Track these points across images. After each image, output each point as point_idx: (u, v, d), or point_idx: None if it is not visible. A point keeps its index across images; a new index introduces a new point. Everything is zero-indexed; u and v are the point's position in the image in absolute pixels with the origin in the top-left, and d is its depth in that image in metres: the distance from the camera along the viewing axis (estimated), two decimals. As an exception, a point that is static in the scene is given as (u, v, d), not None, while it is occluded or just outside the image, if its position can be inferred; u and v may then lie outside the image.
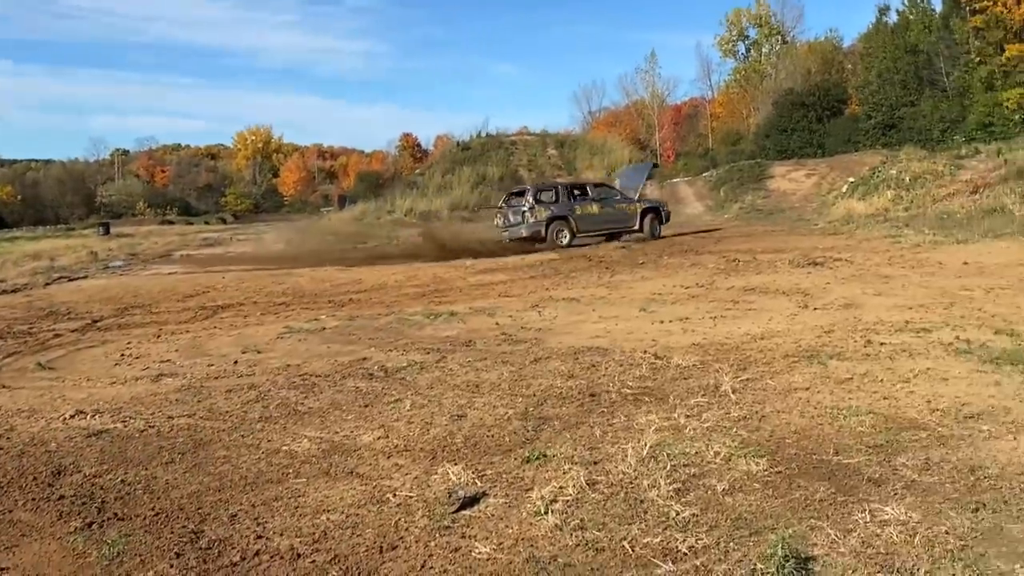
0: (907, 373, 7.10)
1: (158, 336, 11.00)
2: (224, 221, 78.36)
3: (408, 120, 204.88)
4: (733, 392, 6.72)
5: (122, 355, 9.77)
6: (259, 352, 9.46)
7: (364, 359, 8.70)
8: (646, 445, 5.35)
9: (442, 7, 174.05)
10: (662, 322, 10.20)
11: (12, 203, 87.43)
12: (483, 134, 45.64)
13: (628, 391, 6.90)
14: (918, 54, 42.15)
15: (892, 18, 47.15)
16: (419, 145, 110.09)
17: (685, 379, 7.27)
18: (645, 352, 8.36)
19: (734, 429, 5.77)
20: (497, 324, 10.60)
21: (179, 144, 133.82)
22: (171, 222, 72.18)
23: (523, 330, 10.12)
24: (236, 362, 8.93)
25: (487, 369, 7.97)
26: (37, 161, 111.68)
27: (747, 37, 71.03)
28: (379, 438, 5.96)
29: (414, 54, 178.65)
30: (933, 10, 44.16)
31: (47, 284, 18.61)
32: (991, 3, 38.14)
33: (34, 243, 33.90)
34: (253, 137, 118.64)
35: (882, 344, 8.32)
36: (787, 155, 45.58)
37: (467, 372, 7.88)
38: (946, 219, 23.73)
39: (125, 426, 6.64)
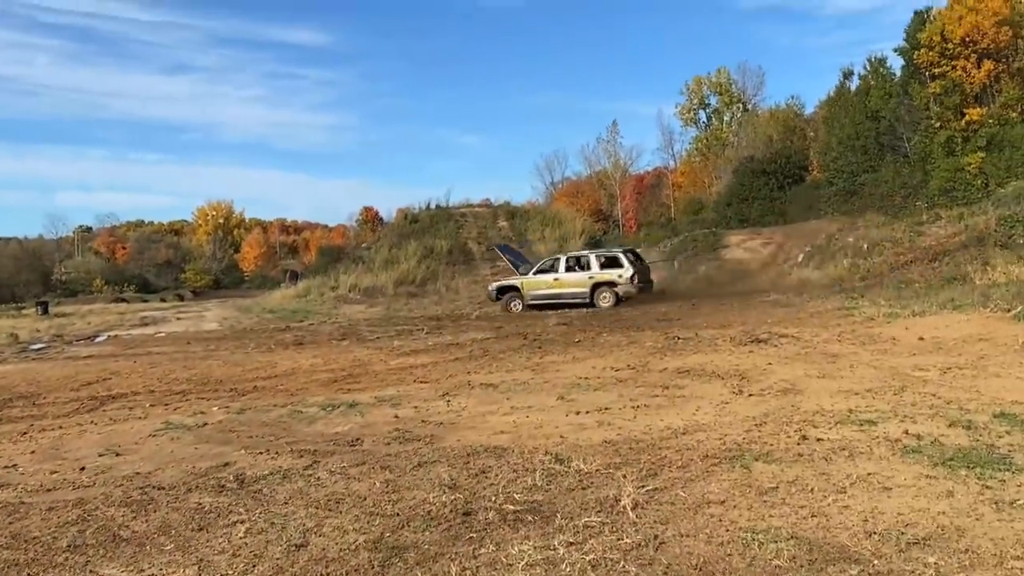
0: (843, 480, 6.15)
1: (24, 434, 9.82)
2: (181, 298, 76.86)
3: (373, 193, 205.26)
4: (634, 508, 5.70)
5: (-34, 459, 8.58)
6: (118, 455, 8.33)
7: (226, 464, 7.59)
8: (499, 593, 4.29)
9: (408, 79, 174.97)
10: (578, 413, 9.19)
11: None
12: (432, 206, 44.89)
13: (511, 507, 5.84)
14: (879, 120, 41.94)
15: (855, 83, 47.16)
16: (380, 218, 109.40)
17: (583, 489, 6.23)
18: (546, 453, 7.33)
19: (622, 563, 4.75)
20: (396, 417, 9.53)
21: (141, 220, 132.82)
22: (125, 300, 70.51)
23: (422, 424, 9.06)
24: (83, 469, 7.79)
25: (360, 477, 6.89)
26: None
27: (708, 105, 71.07)
28: (187, 580, 4.86)
29: (379, 126, 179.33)
30: (893, 75, 44.14)
31: (-55, 371, 17.35)
32: (950, 68, 38.06)
33: (-38, 324, 32.52)
34: (214, 212, 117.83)
35: (819, 440, 7.38)
36: (748, 223, 45.11)
37: (336, 482, 6.80)
38: (904, 288, 22.99)
39: (-97, 562, 5.48)
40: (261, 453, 7.97)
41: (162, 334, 25.73)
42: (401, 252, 38.05)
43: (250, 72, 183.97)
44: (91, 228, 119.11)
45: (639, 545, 5.02)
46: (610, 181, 71.70)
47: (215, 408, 10.89)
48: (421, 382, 12.35)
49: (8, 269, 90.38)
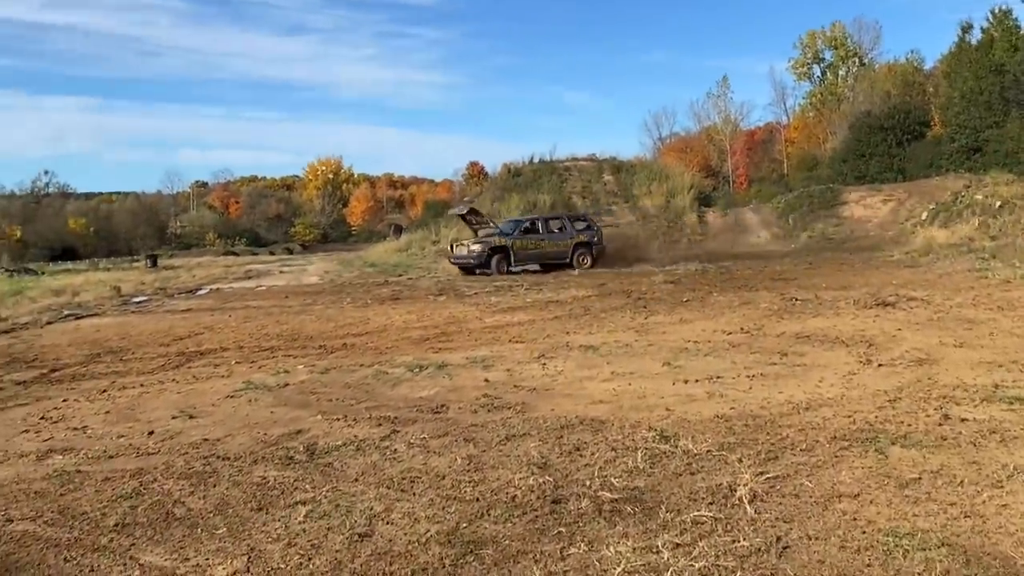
0: (998, 472, 5.23)
1: (103, 392, 9.43)
2: (290, 251, 77.74)
3: (480, 149, 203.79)
4: (751, 500, 4.87)
5: (42, 418, 8.22)
6: (191, 417, 7.84)
7: (298, 432, 6.99)
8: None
9: (517, 37, 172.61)
10: (686, 381, 8.34)
11: (86, 235, 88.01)
12: (536, 160, 43.80)
13: (608, 495, 5.07)
14: (1003, 74, 39.32)
15: (976, 36, 44.25)
16: (485, 173, 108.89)
17: (691, 475, 5.43)
18: (650, 429, 6.51)
19: (738, 573, 3.92)
20: (487, 381, 8.82)
21: (255, 176, 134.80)
22: (235, 253, 71.64)
23: (514, 390, 8.34)
24: (151, 433, 7.29)
25: (441, 451, 6.20)
26: (117, 194, 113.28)
27: (822, 60, 68.29)
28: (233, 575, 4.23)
29: (488, 84, 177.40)
30: (1019, 27, 41.29)
31: (48, 323, 17.32)
32: (1081, 17, 35.29)
33: (75, 276, 33.02)
34: (324, 168, 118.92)
35: (963, 420, 6.43)
36: (865, 180, 43.00)
37: (413, 456, 6.12)
38: (1039, 249, 21.30)
39: (-57, 534, 5.02)
40: (338, 419, 7.35)
41: (263, 288, 25.61)
42: (503, 206, 37.22)
43: (363, 32, 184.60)
44: (207, 183, 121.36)
45: (758, 550, 4.21)
46: (720, 137, 69.59)
47: (300, 366, 10.37)
48: (516, 342, 11.62)
49: (126, 223, 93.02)
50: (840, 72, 67.03)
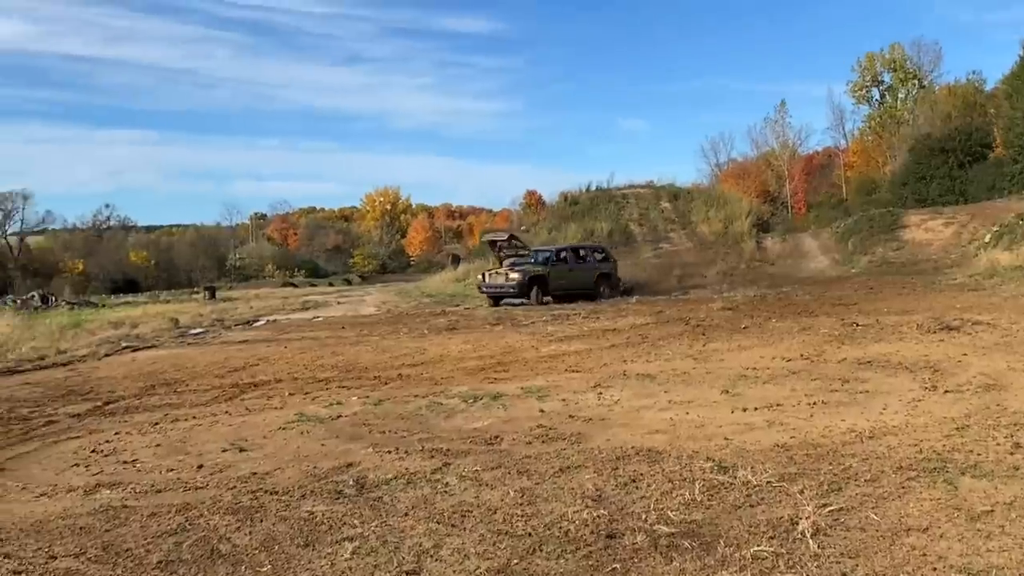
0: (1077, 505, 4.89)
1: (155, 424, 9.41)
2: (349, 282, 78.48)
3: (537, 178, 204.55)
4: (814, 535, 4.64)
5: (93, 451, 8.20)
6: (242, 450, 7.76)
7: (349, 465, 6.87)
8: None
9: (574, 64, 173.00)
10: (744, 410, 8.10)
11: (147, 268, 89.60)
12: (593, 188, 43.69)
13: (664, 529, 4.87)
14: (1066, 93, 38.44)
15: (1038, 56, 43.24)
16: (542, 202, 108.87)
17: (751, 507, 5.20)
18: (708, 459, 6.29)
19: (802, 614, 3.70)
20: (542, 412, 8.65)
21: (312, 207, 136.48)
22: (294, 284, 72.43)
23: (569, 420, 8.16)
24: (201, 467, 7.22)
25: (493, 484, 6.03)
26: (177, 227, 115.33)
27: (881, 82, 67.22)
28: (276, 614, 4.10)
29: (545, 112, 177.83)
30: (1082, 45, 40.34)
31: (105, 355, 17.51)
32: None
33: (134, 308, 33.47)
34: (381, 199, 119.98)
35: (1036, 449, 6.08)
36: (926, 204, 42.17)
37: (465, 489, 5.96)
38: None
39: (-10, 570, 4.96)
40: (389, 452, 7.22)
41: (319, 319, 25.72)
42: (560, 235, 37.12)
43: (421, 61, 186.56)
44: (265, 215, 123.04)
45: (824, 588, 3.97)
46: (778, 162, 68.67)
47: (354, 398, 10.29)
48: (572, 371, 11.45)
49: (185, 255, 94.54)
50: (899, 94, 65.90)
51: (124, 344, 19.45)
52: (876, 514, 4.94)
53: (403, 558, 4.70)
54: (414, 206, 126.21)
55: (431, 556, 4.71)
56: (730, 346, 12.96)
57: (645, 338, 14.77)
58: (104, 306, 38.79)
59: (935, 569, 4.14)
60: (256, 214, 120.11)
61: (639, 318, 18.81)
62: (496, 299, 26.87)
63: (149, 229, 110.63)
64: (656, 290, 29.65)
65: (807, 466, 6.01)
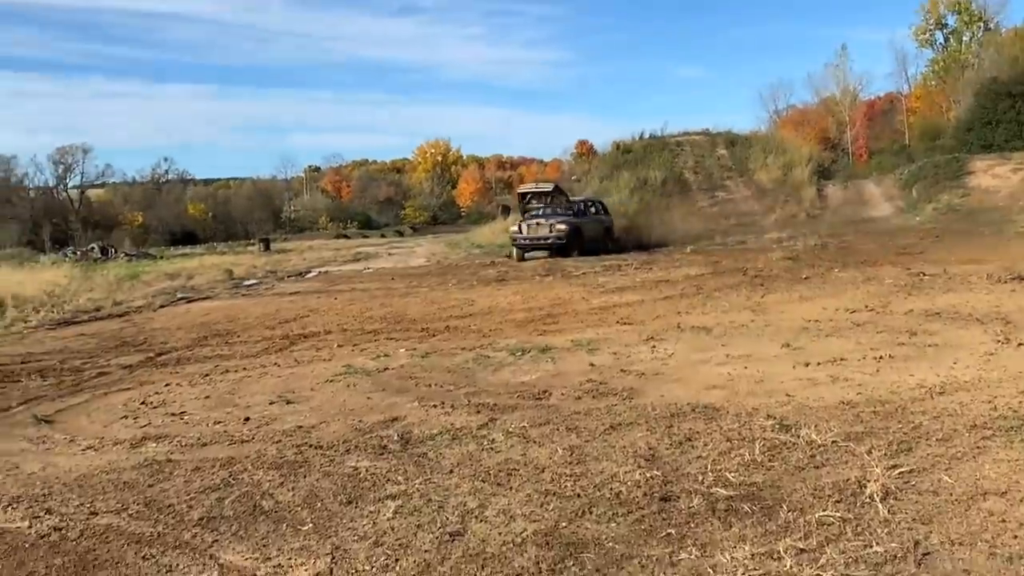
0: None
1: (206, 376, 9.37)
2: (401, 234, 78.69)
3: (590, 128, 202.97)
4: (884, 498, 4.36)
5: (142, 403, 8.16)
6: (289, 403, 7.65)
7: (394, 419, 6.71)
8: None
9: (626, 12, 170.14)
10: (807, 364, 7.78)
11: (204, 220, 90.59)
12: (646, 136, 42.86)
13: (722, 492, 4.61)
14: None
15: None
16: (594, 152, 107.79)
17: (815, 468, 4.92)
18: (768, 417, 6.01)
19: (873, 588, 3.45)
20: (592, 365, 8.41)
21: (365, 159, 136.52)
22: (346, 236, 72.74)
23: (621, 375, 7.90)
24: (247, 420, 7.11)
25: (541, 441, 5.81)
26: (234, 180, 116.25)
27: (945, 26, 65.24)
28: (315, 576, 3.94)
29: (598, 61, 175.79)
30: None
31: (160, 307, 17.61)
32: None
33: (191, 260, 33.75)
34: (433, 150, 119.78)
35: (1123, 407, 5.72)
36: (992, 149, 40.87)
37: (512, 446, 5.75)
38: None
39: (29, 526, 4.89)
40: (435, 406, 7.04)
41: (370, 270, 25.69)
42: (612, 184, 36.56)
43: (471, 11, 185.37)
44: (319, 168, 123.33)
45: (895, 557, 3.71)
46: (838, 108, 67.05)
47: (401, 350, 10.15)
48: (624, 323, 11.17)
49: (242, 208, 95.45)
50: (964, 38, 63.91)
51: (179, 295, 19.60)
52: (950, 476, 4.63)
53: (447, 518, 4.51)
54: (465, 157, 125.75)
55: (476, 517, 4.51)
56: (790, 297, 12.59)
57: (700, 289, 14.43)
58: (162, 258, 39.27)
59: (1015, 536, 3.84)
60: (310, 167, 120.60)
61: (694, 268, 18.45)
62: (525, 251, 25.75)
63: (207, 182, 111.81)
64: (712, 239, 29.14)
65: (874, 424, 5.70)
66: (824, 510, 4.27)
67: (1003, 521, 4.02)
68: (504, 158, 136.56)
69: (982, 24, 62.77)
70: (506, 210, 50.67)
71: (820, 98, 70.91)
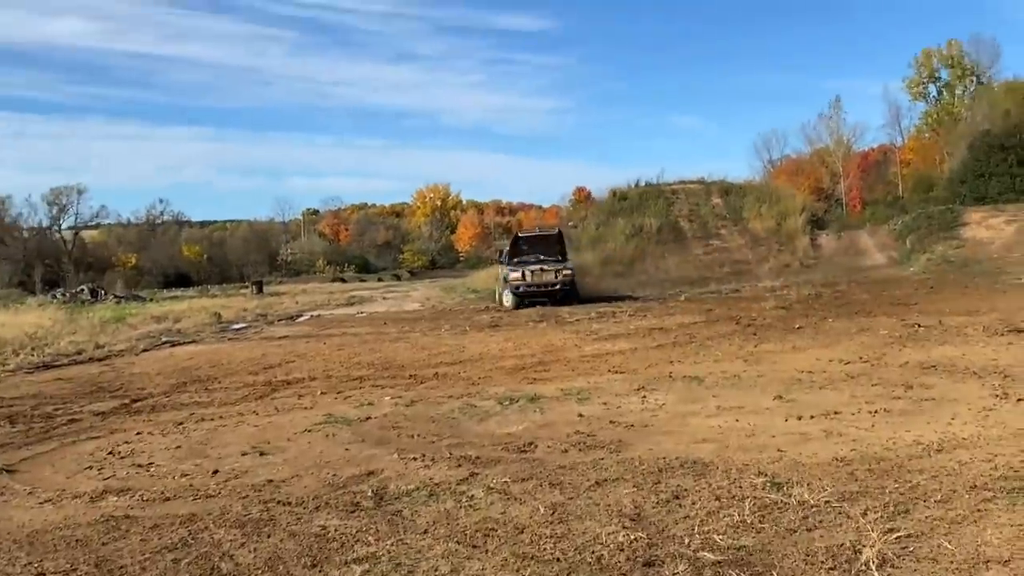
0: None
1: (180, 424, 9.07)
2: (398, 278, 78.76)
3: (588, 175, 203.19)
4: (880, 565, 4.10)
5: (109, 453, 7.87)
6: (262, 454, 7.36)
7: (371, 473, 6.42)
8: None
9: (625, 61, 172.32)
10: (800, 418, 7.52)
11: (199, 262, 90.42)
12: (642, 183, 42.83)
13: (709, 556, 4.33)
14: None
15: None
16: (592, 198, 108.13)
17: (808, 531, 4.64)
18: (759, 474, 5.73)
19: (869, 667, 3.16)
20: (581, 416, 8.14)
21: (364, 203, 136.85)
22: (343, 279, 72.72)
23: (610, 426, 7.64)
24: (216, 472, 6.81)
25: (523, 498, 5.53)
26: (230, 222, 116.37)
27: (938, 79, 65.98)
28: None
29: (596, 109, 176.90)
30: None
31: (143, 351, 17.30)
32: None
33: (180, 303, 33.47)
34: (432, 195, 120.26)
35: None
36: (985, 201, 40.93)
37: (492, 503, 5.47)
38: None
39: (-28, 588, 4.58)
40: (415, 459, 6.76)
41: (362, 314, 25.45)
42: (608, 231, 36.45)
43: (471, 59, 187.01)
44: (317, 211, 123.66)
45: (895, 633, 3.41)
46: (832, 159, 67.41)
47: (387, 398, 9.89)
48: (616, 372, 10.92)
49: (238, 250, 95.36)
50: (957, 91, 64.67)
51: (164, 339, 19.30)
52: (950, 542, 4.35)
53: (416, 586, 4.22)
54: (464, 202, 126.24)
55: (447, 584, 4.22)
56: (783, 347, 12.35)
57: (693, 338, 14.18)
58: (152, 300, 38.96)
59: (1021, 611, 3.57)
60: (308, 210, 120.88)
61: (687, 316, 18.22)
62: (524, 299, 24.53)
63: (203, 224, 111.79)
64: (706, 287, 28.93)
65: (870, 483, 5.42)
66: (818, 578, 3.99)
67: (1008, 594, 3.75)
68: (503, 203, 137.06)
69: (975, 78, 63.58)
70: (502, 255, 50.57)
71: (814, 149, 71.41)
